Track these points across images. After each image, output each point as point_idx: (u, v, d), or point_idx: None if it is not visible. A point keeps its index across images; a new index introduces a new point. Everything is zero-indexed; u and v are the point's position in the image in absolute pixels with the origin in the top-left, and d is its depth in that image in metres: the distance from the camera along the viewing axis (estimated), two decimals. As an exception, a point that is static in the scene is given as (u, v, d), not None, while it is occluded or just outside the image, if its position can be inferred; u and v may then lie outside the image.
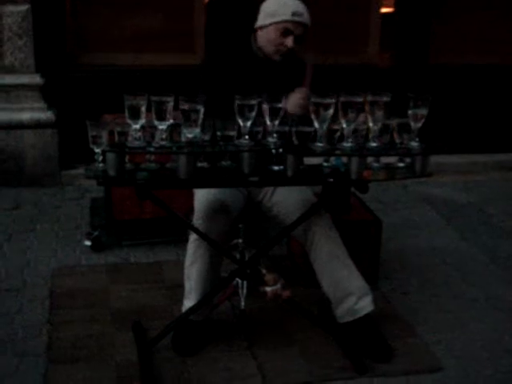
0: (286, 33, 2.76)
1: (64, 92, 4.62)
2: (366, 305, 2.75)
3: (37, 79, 4.44)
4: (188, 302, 2.74)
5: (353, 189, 2.84)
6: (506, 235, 4.03)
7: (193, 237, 2.73)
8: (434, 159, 2.51)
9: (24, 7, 4.32)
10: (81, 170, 2.29)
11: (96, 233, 3.65)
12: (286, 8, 2.75)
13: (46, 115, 4.49)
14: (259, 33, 2.84)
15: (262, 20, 2.82)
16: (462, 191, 4.77)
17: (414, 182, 4.66)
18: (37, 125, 4.48)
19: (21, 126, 4.46)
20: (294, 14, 2.74)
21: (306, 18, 2.77)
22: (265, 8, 2.83)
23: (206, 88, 2.62)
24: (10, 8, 4.31)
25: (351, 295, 2.74)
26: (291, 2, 2.79)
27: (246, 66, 2.81)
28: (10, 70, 4.40)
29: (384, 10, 5.19)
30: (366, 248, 3.27)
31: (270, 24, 2.78)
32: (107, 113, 3.28)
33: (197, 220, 2.67)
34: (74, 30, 4.65)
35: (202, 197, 2.72)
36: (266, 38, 2.81)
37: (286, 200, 2.78)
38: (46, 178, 4.56)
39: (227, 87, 2.47)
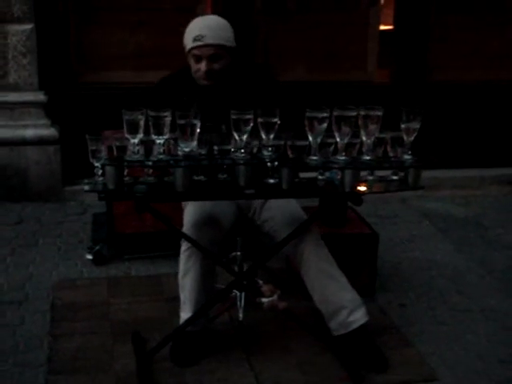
0: (197, 59, 2.79)
1: (67, 109, 4.68)
2: (359, 317, 2.78)
3: (40, 97, 4.51)
4: (184, 314, 2.78)
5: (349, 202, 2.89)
6: (502, 248, 4.06)
7: (183, 247, 2.78)
8: (432, 174, 2.57)
9: (28, 26, 4.39)
10: (83, 186, 2.34)
11: (97, 247, 3.70)
12: (189, 35, 2.80)
13: (50, 132, 4.56)
14: None
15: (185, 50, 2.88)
16: (459, 205, 4.80)
17: (412, 196, 4.70)
18: (40, 141, 4.53)
19: (24, 142, 4.52)
20: (194, 39, 2.76)
21: (210, 37, 2.75)
22: (184, 37, 2.88)
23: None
24: (15, 27, 4.38)
25: (343, 309, 2.76)
26: (196, 25, 2.82)
27: (187, 94, 2.83)
28: (15, 88, 4.47)
29: (382, 27, 5.25)
30: (363, 261, 3.31)
31: (187, 54, 2.84)
32: (109, 129, 3.34)
33: (184, 231, 2.72)
34: (77, 48, 4.71)
35: (190, 210, 2.78)
36: (191, 67, 2.86)
37: (274, 217, 2.81)
38: (49, 194, 4.61)
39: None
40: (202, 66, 2.78)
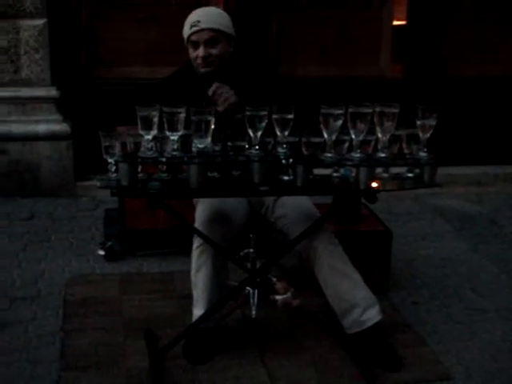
0: (195, 46, 2.82)
1: (79, 104, 4.68)
2: (372, 315, 2.76)
3: (53, 92, 4.51)
4: (197, 311, 2.77)
5: (363, 199, 2.87)
6: (518, 246, 4.04)
7: (195, 244, 2.77)
8: (446, 170, 2.54)
9: (41, 21, 4.40)
10: (95, 182, 2.33)
11: (110, 243, 3.70)
12: (186, 25, 2.85)
13: (62, 127, 4.56)
14: None
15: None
16: (473, 203, 4.77)
17: (426, 194, 4.68)
18: (52, 137, 4.54)
19: (37, 137, 4.53)
20: (191, 26, 2.81)
21: (206, 22, 2.80)
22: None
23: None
24: (28, 22, 4.39)
25: (356, 307, 2.74)
26: (193, 14, 2.87)
27: (191, 85, 2.86)
28: (27, 83, 4.48)
29: (395, 22, 5.22)
30: (377, 258, 3.29)
31: (186, 44, 2.87)
32: (121, 125, 3.33)
33: (196, 227, 2.71)
34: (89, 43, 4.72)
35: (201, 208, 2.78)
36: (191, 58, 2.88)
37: (287, 214, 2.80)
38: (61, 189, 4.61)
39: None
40: (200, 51, 2.80)
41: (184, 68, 2.96)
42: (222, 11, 2.95)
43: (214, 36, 2.80)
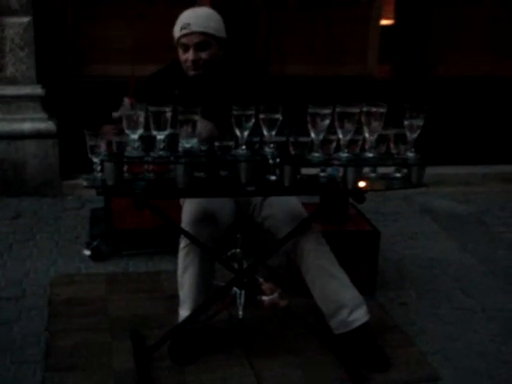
0: (185, 48, 2.79)
1: (65, 103, 4.65)
2: (359, 316, 2.75)
3: (38, 90, 4.47)
4: (183, 311, 2.75)
5: (351, 199, 2.86)
6: (506, 246, 4.03)
7: (182, 244, 2.75)
8: (434, 170, 2.53)
9: (26, 19, 4.35)
10: (81, 180, 2.31)
11: (95, 242, 3.67)
12: (177, 25, 2.81)
13: (47, 126, 4.52)
14: None
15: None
16: (461, 202, 4.78)
17: (414, 193, 4.68)
18: (38, 135, 4.50)
19: (22, 136, 4.49)
20: (182, 28, 2.77)
21: (196, 25, 2.76)
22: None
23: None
24: (12, 20, 4.34)
25: (344, 307, 2.73)
26: (184, 15, 2.83)
27: (177, 87, 2.83)
28: (12, 81, 4.43)
29: (383, 21, 5.22)
30: (364, 258, 3.28)
31: (176, 44, 2.84)
32: (107, 123, 3.30)
33: (183, 227, 2.69)
34: (74, 41, 4.68)
35: (188, 207, 2.76)
36: (180, 59, 2.85)
37: (275, 214, 2.79)
38: (46, 188, 4.58)
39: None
40: (190, 54, 2.78)
41: (172, 66, 2.93)
42: (213, 12, 2.89)
43: (205, 39, 2.77)
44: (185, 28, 2.76)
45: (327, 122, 2.31)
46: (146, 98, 2.31)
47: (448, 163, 4.97)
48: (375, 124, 2.35)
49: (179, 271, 2.78)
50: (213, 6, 4.69)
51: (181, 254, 2.76)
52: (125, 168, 2.33)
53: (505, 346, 2.93)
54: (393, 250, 3.85)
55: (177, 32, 2.81)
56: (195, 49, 2.77)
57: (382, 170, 2.54)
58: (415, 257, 3.83)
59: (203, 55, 2.78)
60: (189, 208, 2.76)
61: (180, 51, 2.82)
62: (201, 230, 2.67)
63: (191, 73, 2.82)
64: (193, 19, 2.78)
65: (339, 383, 2.62)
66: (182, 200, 2.92)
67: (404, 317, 3.14)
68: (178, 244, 2.78)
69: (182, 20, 2.80)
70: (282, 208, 2.78)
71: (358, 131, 2.38)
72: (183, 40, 2.78)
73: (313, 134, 2.32)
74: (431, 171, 2.47)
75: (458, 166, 5.13)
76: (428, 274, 3.61)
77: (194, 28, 2.76)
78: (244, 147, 2.32)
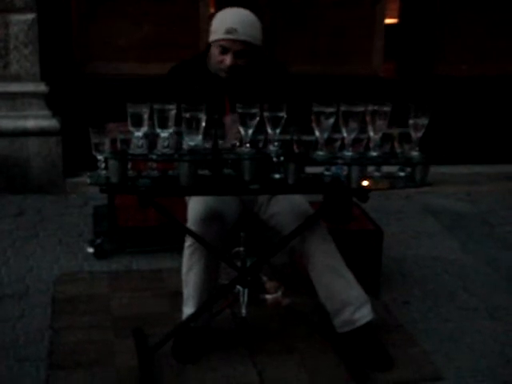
0: (223, 50, 2.74)
1: (69, 100, 4.65)
2: (364, 315, 2.75)
3: (42, 87, 4.47)
4: (187, 309, 2.75)
5: (354, 198, 2.86)
6: (509, 246, 4.03)
7: (187, 243, 2.75)
8: (438, 169, 2.52)
9: (30, 16, 4.36)
10: (85, 178, 2.30)
11: (99, 240, 3.67)
12: (221, 25, 2.73)
13: (51, 123, 4.52)
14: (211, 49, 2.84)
15: (209, 37, 2.82)
16: (464, 202, 4.78)
17: (417, 193, 4.67)
18: (41, 132, 4.51)
19: (25, 133, 4.49)
20: (227, 31, 2.70)
21: (243, 33, 2.71)
22: (211, 24, 2.82)
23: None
24: (17, 17, 4.35)
25: (348, 306, 2.73)
26: (229, 16, 2.76)
27: (201, 83, 2.79)
28: (16, 78, 4.44)
29: (388, 20, 5.21)
30: (367, 257, 3.28)
31: (212, 42, 2.78)
32: (112, 121, 3.30)
33: (189, 227, 2.69)
34: (79, 38, 4.68)
35: (194, 204, 2.75)
36: (211, 56, 2.80)
37: (282, 212, 2.78)
38: (50, 186, 4.58)
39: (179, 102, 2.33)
40: (227, 59, 2.73)
41: (194, 60, 2.89)
42: (256, 19, 2.81)
43: (246, 49, 2.73)
44: (230, 33, 2.69)
45: (332, 120, 2.31)
46: (168, 93, 2.28)
47: (452, 162, 4.97)
48: (380, 123, 2.35)
49: (184, 269, 2.77)
50: (217, 5, 4.71)
51: (186, 253, 2.75)
52: (129, 165, 2.33)
53: (508, 345, 2.92)
54: (396, 250, 3.85)
55: (218, 33, 2.73)
56: (234, 55, 2.73)
57: (386, 168, 2.54)
58: (418, 256, 3.82)
59: (240, 62, 2.75)
60: (195, 206, 2.75)
61: (215, 50, 2.76)
62: (207, 228, 2.66)
63: (223, 74, 2.78)
64: (239, 25, 2.71)
65: (342, 382, 2.62)
66: (187, 197, 2.91)
67: (407, 316, 3.14)
68: (181, 242, 2.78)
69: (228, 23, 2.72)
70: (288, 205, 2.78)
71: (363, 130, 2.37)
72: (225, 43, 2.72)
73: (317, 133, 2.32)
74: (435, 170, 2.46)
75: (462, 166, 5.12)
76: (431, 274, 3.61)
77: (241, 37, 2.70)
78: (248, 145, 2.31)
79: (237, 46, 2.72)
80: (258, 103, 2.31)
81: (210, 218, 2.68)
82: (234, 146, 2.36)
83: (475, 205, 4.72)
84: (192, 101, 2.24)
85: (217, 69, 2.79)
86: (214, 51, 2.77)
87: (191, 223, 2.70)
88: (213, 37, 2.77)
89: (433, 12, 5.06)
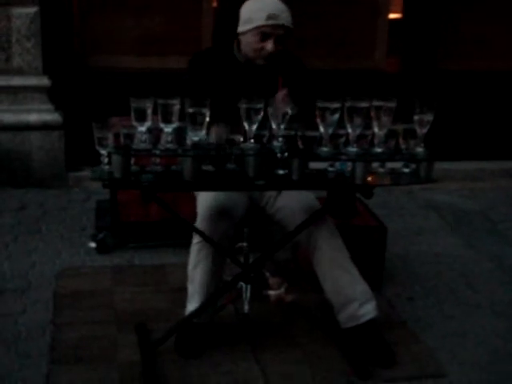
0: (264, 37, 2.74)
1: (71, 94, 4.64)
2: (368, 311, 2.74)
3: (44, 81, 4.46)
4: (191, 306, 2.74)
5: (358, 194, 2.84)
6: (512, 243, 4.03)
7: (195, 240, 2.74)
8: (441, 165, 2.51)
9: (33, 9, 4.34)
10: (87, 172, 2.29)
11: (101, 235, 3.66)
12: (260, 12, 2.73)
13: (53, 117, 4.51)
14: (241, 38, 2.82)
15: (241, 26, 2.80)
16: (468, 198, 4.76)
17: (420, 189, 4.66)
18: (44, 126, 4.49)
19: (28, 127, 4.48)
20: (268, 17, 2.72)
21: (283, 18, 2.73)
22: (242, 13, 2.81)
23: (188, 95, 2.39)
24: (19, 10, 4.33)
25: (354, 301, 2.73)
26: (266, 4, 2.76)
27: (227, 71, 2.80)
28: (18, 72, 4.42)
29: (392, 15, 5.19)
30: (371, 253, 3.27)
31: (249, 30, 2.76)
32: (114, 115, 3.28)
33: (199, 223, 2.68)
34: (81, 32, 4.67)
35: (204, 201, 2.73)
36: (246, 44, 2.79)
37: (289, 206, 2.77)
38: (52, 180, 4.57)
39: (208, 93, 2.35)
40: (269, 45, 2.74)
41: (216, 48, 2.90)
42: (286, 6, 2.84)
43: (286, 34, 2.76)
44: (272, 18, 2.71)
45: (336, 116, 2.30)
46: (196, 85, 2.26)
47: (455, 158, 4.95)
48: (385, 119, 2.34)
49: (190, 265, 2.76)
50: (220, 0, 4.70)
51: (193, 249, 2.75)
52: (132, 160, 2.32)
53: (511, 341, 2.92)
54: (399, 246, 3.84)
55: (260, 20, 2.72)
56: (275, 41, 2.74)
57: (390, 164, 2.53)
58: (421, 252, 3.81)
59: (279, 47, 2.76)
60: (205, 203, 2.72)
61: (254, 38, 2.75)
62: (216, 226, 2.65)
63: (260, 62, 2.79)
64: (279, 11, 2.73)
65: (345, 378, 2.62)
66: (195, 192, 2.89)
67: (410, 312, 3.13)
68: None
69: (268, 9, 2.73)
70: (296, 200, 2.77)
71: (368, 126, 2.36)
72: (267, 29, 2.72)
73: (322, 129, 2.31)
74: (438, 166, 2.45)
75: (465, 162, 5.11)
76: (434, 270, 3.60)
77: (282, 21, 2.72)
78: (252, 141, 2.30)
79: (280, 31, 2.74)
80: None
81: (220, 213, 2.67)
82: (285, 114, 2.32)
83: (478, 201, 4.71)
84: (220, 90, 2.24)
85: (253, 56, 2.79)
86: (251, 39, 2.76)
87: (201, 219, 2.68)
88: (251, 25, 2.75)
89: (437, 6, 5.03)
